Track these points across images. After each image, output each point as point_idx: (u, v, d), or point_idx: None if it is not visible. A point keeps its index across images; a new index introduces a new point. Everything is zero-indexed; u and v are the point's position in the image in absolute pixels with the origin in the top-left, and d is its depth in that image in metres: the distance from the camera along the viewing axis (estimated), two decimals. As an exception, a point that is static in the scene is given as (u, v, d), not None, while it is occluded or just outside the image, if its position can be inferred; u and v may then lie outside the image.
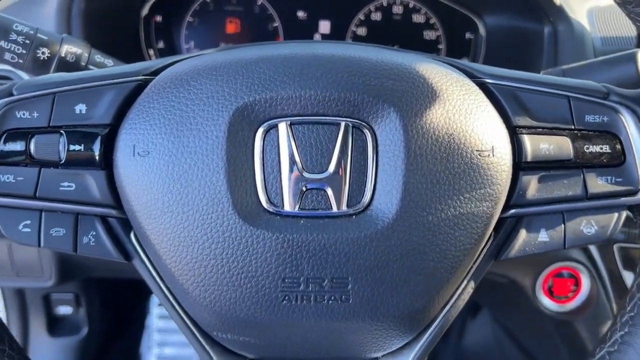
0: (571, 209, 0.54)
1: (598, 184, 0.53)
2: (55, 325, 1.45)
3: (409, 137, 0.50)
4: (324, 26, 1.20)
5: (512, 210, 0.54)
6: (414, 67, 0.53)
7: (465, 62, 0.60)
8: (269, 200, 0.50)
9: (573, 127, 0.54)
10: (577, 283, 0.93)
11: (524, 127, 0.54)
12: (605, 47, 0.99)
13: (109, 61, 0.75)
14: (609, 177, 0.53)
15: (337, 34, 1.19)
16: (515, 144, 0.54)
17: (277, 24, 1.19)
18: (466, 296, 0.55)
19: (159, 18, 1.16)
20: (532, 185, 0.53)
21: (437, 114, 0.51)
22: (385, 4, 1.19)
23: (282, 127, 0.50)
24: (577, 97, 0.55)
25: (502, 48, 1.13)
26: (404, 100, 0.51)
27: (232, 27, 1.18)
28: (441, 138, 0.51)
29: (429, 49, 1.18)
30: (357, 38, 1.19)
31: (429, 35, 1.19)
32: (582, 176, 0.54)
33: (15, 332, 1.41)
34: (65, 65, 0.72)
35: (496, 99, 0.55)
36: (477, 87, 0.54)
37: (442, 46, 1.19)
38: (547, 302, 0.94)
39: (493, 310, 1.38)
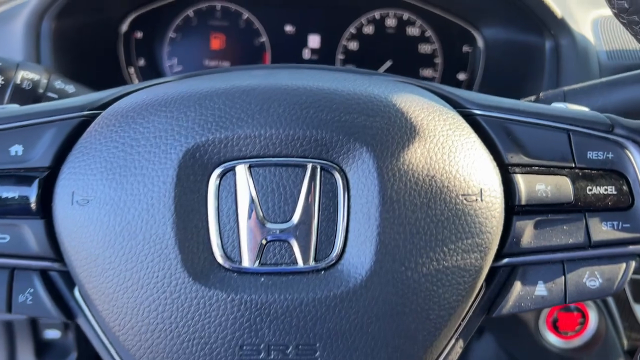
0: (572, 258, 0.47)
1: (603, 230, 0.47)
2: (43, 350, 1.39)
3: (385, 181, 0.44)
4: (314, 40, 1.14)
5: (505, 260, 0.48)
6: (391, 99, 0.46)
7: (451, 89, 0.54)
8: (224, 254, 0.44)
9: (573, 166, 0.48)
10: (584, 317, 0.86)
11: (517, 165, 0.48)
12: (611, 62, 0.93)
13: (70, 87, 0.69)
14: (615, 223, 0.47)
15: (327, 49, 1.13)
16: (508, 185, 0.47)
17: (264, 39, 1.13)
18: (455, 356, 0.48)
19: (139, 34, 1.10)
20: (528, 232, 0.47)
21: (416, 153, 0.45)
22: (378, 16, 1.13)
23: (240, 171, 0.44)
24: (577, 131, 0.48)
25: (502, 62, 1.07)
26: (379, 138, 0.45)
27: (216, 42, 1.13)
28: (421, 181, 0.44)
29: (424, 63, 1.12)
30: (348, 53, 1.13)
31: (425, 48, 1.13)
32: (584, 221, 0.47)
33: (2, 357, 1.36)
34: (21, 93, 0.66)
35: (485, 134, 0.49)
36: (464, 120, 0.48)
37: (438, 60, 1.13)
38: (551, 338, 0.87)
39: (497, 336, 1.31)
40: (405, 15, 1.12)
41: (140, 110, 0.46)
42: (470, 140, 0.47)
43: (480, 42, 1.10)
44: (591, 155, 0.47)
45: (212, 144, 0.44)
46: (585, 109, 0.57)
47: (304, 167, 0.44)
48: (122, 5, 1.05)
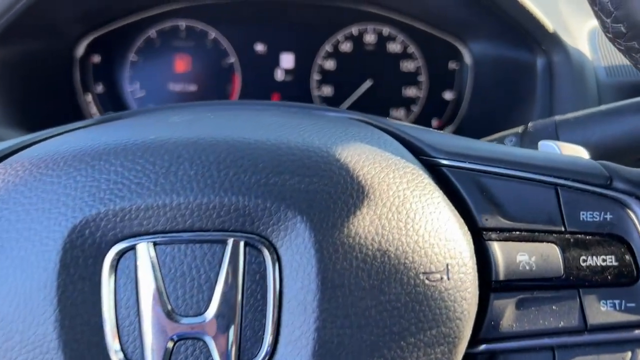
0: (565, 344, 0.38)
1: (601, 310, 0.38)
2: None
3: (326, 259, 0.35)
4: (287, 60, 1.05)
5: (483, 347, 0.38)
6: (334, 152, 0.38)
7: (415, 130, 0.45)
8: (124, 358, 0.35)
9: (563, 230, 0.38)
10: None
11: (493, 230, 0.39)
12: (611, 79, 0.84)
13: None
14: (617, 301, 0.38)
15: (302, 69, 1.04)
16: (483, 255, 0.38)
17: (233, 59, 1.04)
18: None
19: (97, 59, 1.02)
20: (509, 313, 0.38)
21: (365, 222, 0.36)
22: (355, 32, 1.04)
23: (142, 250, 0.35)
24: (567, 186, 0.39)
25: (491, 80, 0.98)
26: (318, 205, 0.36)
27: (181, 65, 1.04)
28: (371, 258, 0.35)
29: (407, 81, 1.03)
30: (325, 72, 1.04)
31: (407, 66, 1.04)
32: (578, 299, 0.38)
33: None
34: None
35: (454, 190, 0.40)
36: (427, 175, 0.39)
37: (422, 78, 1.04)
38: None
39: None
40: (386, 31, 1.03)
41: (24, 174, 0.37)
42: (434, 202, 0.38)
43: (467, 58, 1.01)
44: (585, 216, 0.38)
45: (105, 218, 0.35)
46: (578, 148, 0.48)
47: (224, 243, 0.35)
48: (77, 28, 0.97)
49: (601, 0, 0.37)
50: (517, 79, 0.92)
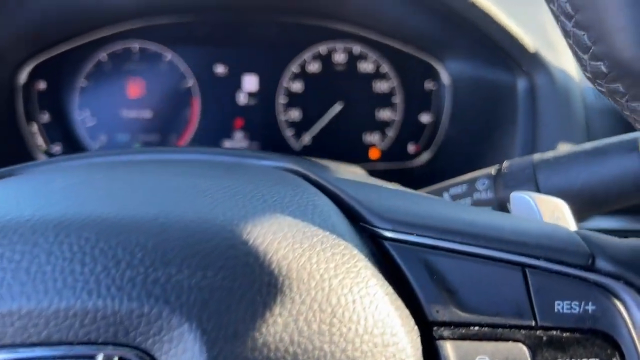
0: None
1: None
2: None
3: (223, 378, 0.27)
4: (250, 82, 0.97)
5: None
6: (240, 229, 0.29)
7: (358, 187, 0.37)
8: None
9: (533, 324, 0.30)
10: None
11: (446, 324, 0.31)
12: (599, 102, 0.76)
13: None
14: (604, 419, 0.30)
15: (266, 92, 0.96)
16: (433, 356, 0.30)
17: (191, 82, 0.96)
18: None
19: (42, 85, 0.94)
20: None
21: (276, 327, 0.28)
22: (324, 51, 0.96)
23: None
24: (539, 267, 0.31)
25: (470, 102, 0.90)
26: (213, 307, 0.27)
27: (135, 89, 0.96)
28: (283, 375, 0.27)
29: (381, 103, 0.95)
30: (291, 95, 0.96)
31: (381, 87, 0.96)
32: None
33: None
34: None
35: (398, 272, 0.32)
36: (362, 254, 0.31)
37: (397, 99, 0.96)
38: None
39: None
40: (356, 49, 0.96)
41: None
42: (370, 292, 0.30)
43: (445, 78, 0.93)
44: (561, 307, 0.30)
45: None
46: (557, 203, 0.40)
47: (91, 359, 0.27)
48: (18, 53, 0.89)
49: (575, 32, 0.30)
50: (498, 101, 0.84)
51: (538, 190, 0.49)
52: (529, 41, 0.73)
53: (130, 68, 0.95)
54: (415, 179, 0.93)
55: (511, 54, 0.74)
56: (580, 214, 0.44)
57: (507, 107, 0.81)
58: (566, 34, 0.31)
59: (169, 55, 0.96)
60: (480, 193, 0.52)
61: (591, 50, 0.30)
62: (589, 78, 0.32)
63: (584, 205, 0.47)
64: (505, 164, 0.53)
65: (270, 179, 0.37)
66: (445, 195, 0.54)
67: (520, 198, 0.41)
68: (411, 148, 0.96)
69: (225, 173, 0.38)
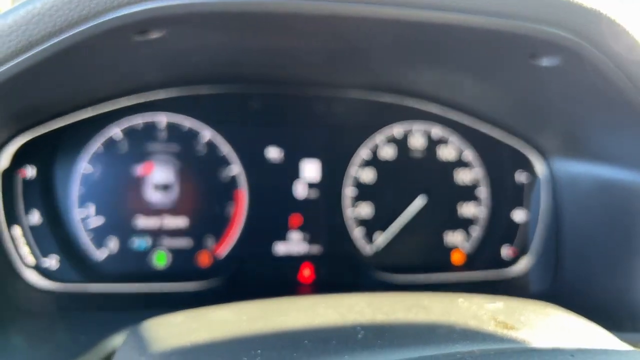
0: None
1: None
2: None
3: None
4: (310, 170, 0.76)
5: None
6: None
7: None
8: None
9: None
10: None
11: None
12: None
13: None
14: None
15: (329, 182, 0.76)
16: None
17: (236, 170, 0.73)
18: None
19: (30, 171, 0.66)
20: None
21: None
22: (400, 134, 0.78)
23: None
24: None
25: (579, 200, 0.75)
26: None
27: (159, 178, 0.71)
28: None
29: (463, 196, 0.79)
30: (361, 186, 0.77)
31: (463, 177, 0.79)
32: None
33: None
34: None
35: None
36: None
37: (482, 193, 0.79)
38: None
39: None
40: (436, 132, 0.79)
41: None
42: None
43: (539, 170, 0.78)
44: None
45: None
46: None
47: None
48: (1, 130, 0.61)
49: None
50: (620, 203, 0.70)
51: None
52: None
53: (153, 149, 0.70)
54: (516, 292, 0.76)
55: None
56: None
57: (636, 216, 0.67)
58: None
59: (207, 134, 0.72)
60: None
61: None
62: None
63: None
64: None
65: None
66: None
67: None
68: (505, 251, 0.79)
69: None
